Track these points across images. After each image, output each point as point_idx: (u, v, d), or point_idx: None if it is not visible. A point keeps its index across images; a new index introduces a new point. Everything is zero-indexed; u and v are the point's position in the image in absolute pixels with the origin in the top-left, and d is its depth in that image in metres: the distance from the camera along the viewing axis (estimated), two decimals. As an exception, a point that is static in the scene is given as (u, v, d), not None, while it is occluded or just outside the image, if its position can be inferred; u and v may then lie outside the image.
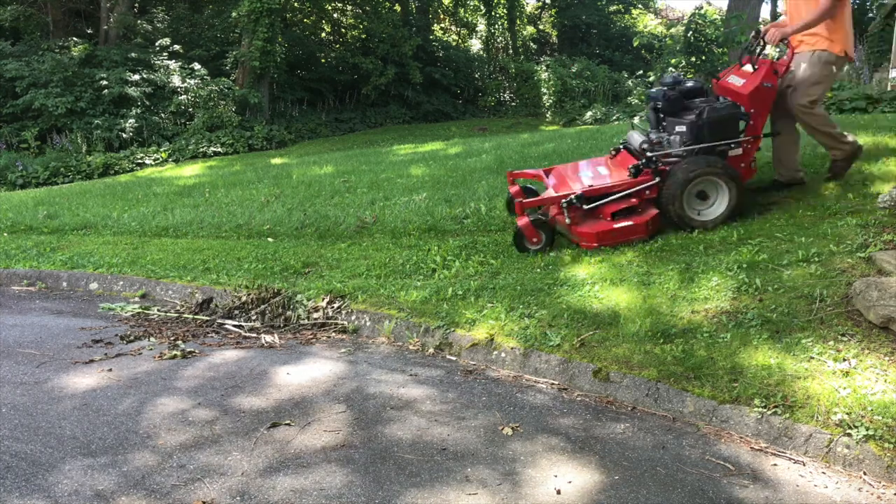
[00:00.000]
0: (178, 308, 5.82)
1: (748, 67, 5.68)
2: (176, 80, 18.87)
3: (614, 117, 18.40)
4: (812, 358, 3.68)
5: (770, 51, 5.97)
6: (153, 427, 3.61)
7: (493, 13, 30.31)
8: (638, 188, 5.54)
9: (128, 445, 3.41)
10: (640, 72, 25.37)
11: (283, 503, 2.91)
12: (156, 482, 3.07)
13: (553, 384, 4.11)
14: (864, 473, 3.06)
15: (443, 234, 6.70)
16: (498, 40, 30.65)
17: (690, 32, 20.70)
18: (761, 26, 6.19)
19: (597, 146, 9.46)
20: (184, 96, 18.83)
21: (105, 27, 20.71)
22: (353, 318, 5.30)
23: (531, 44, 32.97)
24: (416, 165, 10.43)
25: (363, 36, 26.14)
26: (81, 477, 3.11)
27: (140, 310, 5.85)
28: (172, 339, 5.09)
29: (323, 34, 27.12)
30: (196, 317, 5.55)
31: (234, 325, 5.34)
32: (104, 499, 2.94)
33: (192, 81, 18.97)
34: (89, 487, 3.02)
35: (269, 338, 5.04)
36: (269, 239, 7.34)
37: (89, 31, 21.72)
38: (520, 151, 10.07)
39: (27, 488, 3.02)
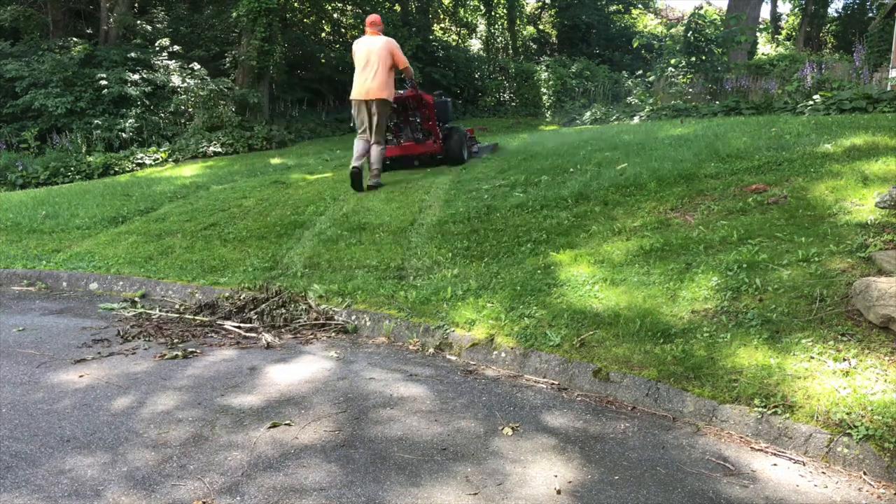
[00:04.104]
0: (178, 308, 5.82)
1: None
2: (176, 80, 18.86)
3: (614, 117, 18.38)
4: (812, 358, 3.67)
5: None
6: (153, 427, 3.61)
7: (493, 13, 30.32)
8: None
9: (127, 445, 3.41)
10: (640, 72, 25.37)
11: (284, 502, 2.91)
12: (155, 482, 3.07)
13: (553, 384, 4.11)
14: (864, 473, 3.06)
15: (443, 234, 6.70)
16: (498, 40, 30.66)
17: (690, 32, 20.68)
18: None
19: (598, 146, 9.46)
20: (184, 96, 18.82)
21: (105, 27, 20.70)
22: (353, 317, 5.30)
23: (531, 44, 32.97)
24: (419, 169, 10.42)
25: (363, 36, 26.10)
26: (81, 477, 3.11)
27: (140, 310, 5.84)
28: (172, 339, 5.09)
29: (323, 34, 27.11)
30: (196, 317, 5.55)
31: (234, 326, 5.34)
32: (104, 499, 2.94)
33: (192, 81, 18.96)
34: (89, 487, 3.02)
35: (268, 338, 5.04)
36: (270, 237, 7.34)
37: (89, 31, 21.70)
38: (524, 151, 10.07)
39: (27, 488, 3.02)
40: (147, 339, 5.11)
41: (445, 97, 10.28)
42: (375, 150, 8.39)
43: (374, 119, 8.21)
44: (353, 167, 8.37)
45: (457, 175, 9.10)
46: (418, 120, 9.39)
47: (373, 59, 8.16)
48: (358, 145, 8.48)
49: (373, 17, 8.56)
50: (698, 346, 3.98)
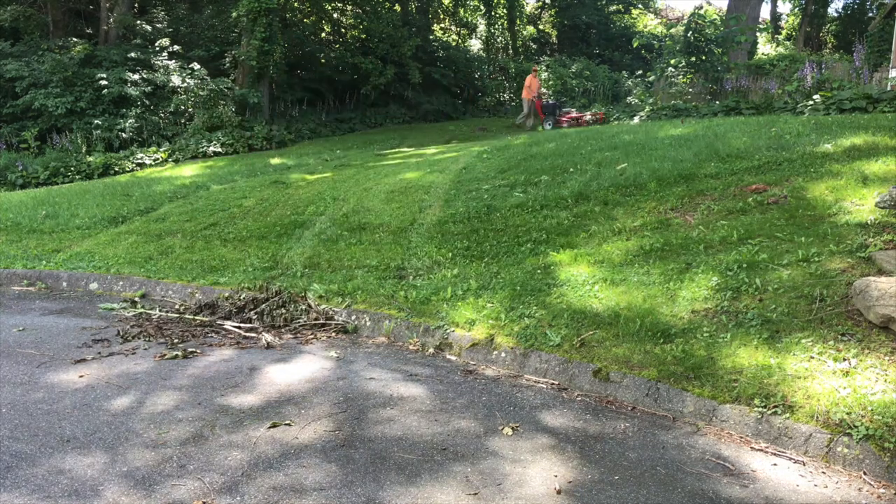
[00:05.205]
0: (178, 308, 5.82)
1: None
2: (175, 80, 18.85)
3: (614, 117, 18.40)
4: (812, 358, 3.67)
5: None
6: (153, 427, 3.61)
7: (492, 13, 30.33)
8: None
9: (127, 445, 3.41)
10: (640, 72, 25.38)
11: (283, 502, 2.91)
12: (155, 481, 3.07)
13: (553, 384, 4.11)
14: (864, 473, 3.06)
15: (443, 234, 6.70)
16: (498, 40, 30.69)
17: (690, 32, 20.69)
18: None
19: (598, 146, 9.45)
20: (183, 96, 18.82)
21: (105, 27, 20.71)
22: (353, 317, 5.30)
23: (531, 44, 32.99)
24: (419, 169, 10.42)
25: (363, 36, 26.13)
26: (81, 476, 3.11)
27: (140, 310, 5.84)
28: (172, 339, 5.09)
29: (323, 34, 27.10)
30: (196, 317, 5.55)
31: (234, 326, 5.34)
32: (103, 498, 2.94)
33: (192, 81, 18.96)
34: (89, 487, 3.02)
35: (268, 338, 5.04)
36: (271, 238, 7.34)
37: (89, 31, 21.70)
38: (524, 151, 10.08)
39: (27, 488, 3.02)
40: (147, 339, 5.11)
41: (551, 101, 21.51)
42: (525, 115, 19.50)
43: (525, 106, 19.28)
44: (520, 125, 19.85)
45: (457, 175, 9.12)
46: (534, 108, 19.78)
47: (525, 85, 19.50)
48: (521, 118, 19.97)
49: (533, 67, 21.80)
50: (698, 346, 3.98)
